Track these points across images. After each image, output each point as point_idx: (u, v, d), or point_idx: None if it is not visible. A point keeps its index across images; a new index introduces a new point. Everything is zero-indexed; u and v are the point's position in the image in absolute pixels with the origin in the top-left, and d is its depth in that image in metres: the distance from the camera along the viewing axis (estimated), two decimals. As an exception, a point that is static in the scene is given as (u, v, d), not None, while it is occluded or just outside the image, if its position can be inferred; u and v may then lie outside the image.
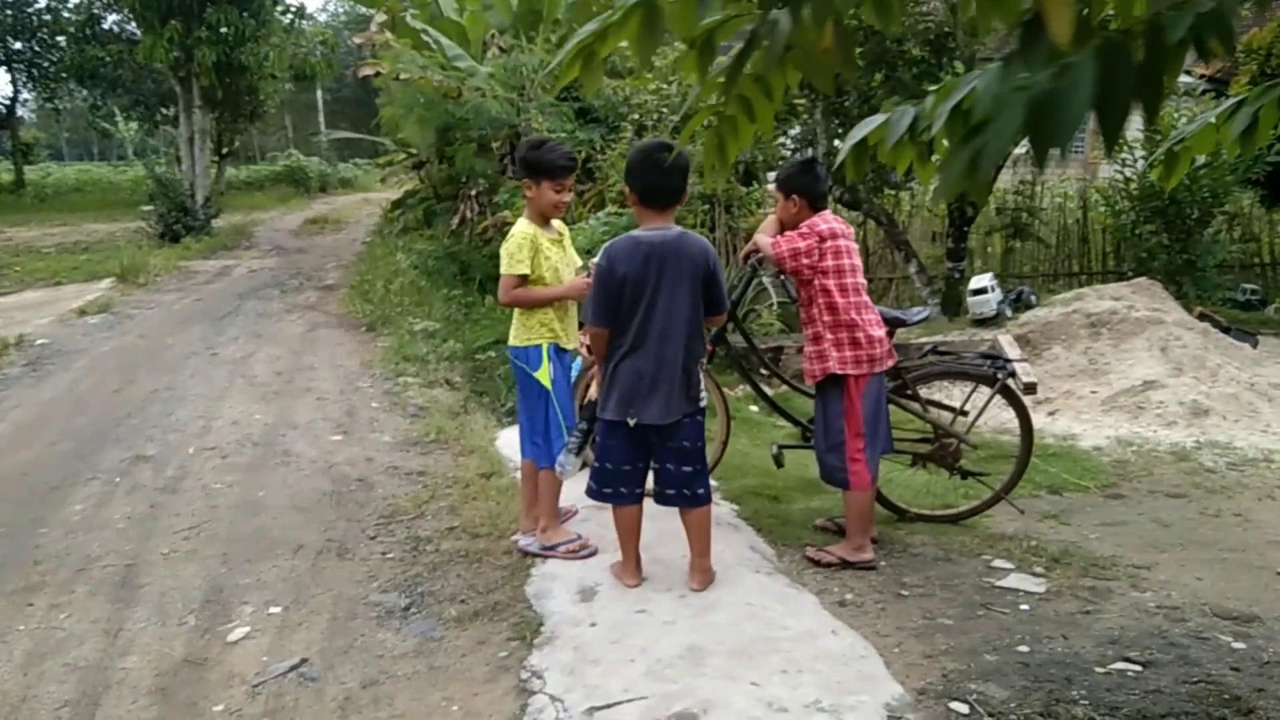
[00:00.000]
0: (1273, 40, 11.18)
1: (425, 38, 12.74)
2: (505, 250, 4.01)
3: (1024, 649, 3.51)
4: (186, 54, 17.90)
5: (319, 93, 38.07)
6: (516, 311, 4.14)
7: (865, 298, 4.19)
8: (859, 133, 1.96)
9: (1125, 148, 10.40)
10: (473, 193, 12.31)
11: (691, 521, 3.83)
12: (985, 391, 4.59)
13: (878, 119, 1.97)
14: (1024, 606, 3.88)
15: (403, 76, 11.62)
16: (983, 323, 8.76)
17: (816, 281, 4.10)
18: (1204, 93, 11.98)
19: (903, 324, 4.46)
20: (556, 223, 4.23)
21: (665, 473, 3.78)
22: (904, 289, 10.48)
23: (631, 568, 3.91)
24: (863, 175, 2.10)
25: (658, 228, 3.63)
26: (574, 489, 4.49)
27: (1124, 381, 7.07)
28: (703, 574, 3.84)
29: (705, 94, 1.62)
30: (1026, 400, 4.64)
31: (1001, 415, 4.77)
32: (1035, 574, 4.18)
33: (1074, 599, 3.96)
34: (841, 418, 4.14)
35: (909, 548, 4.46)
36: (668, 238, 3.60)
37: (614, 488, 3.82)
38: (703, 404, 3.76)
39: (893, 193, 10.09)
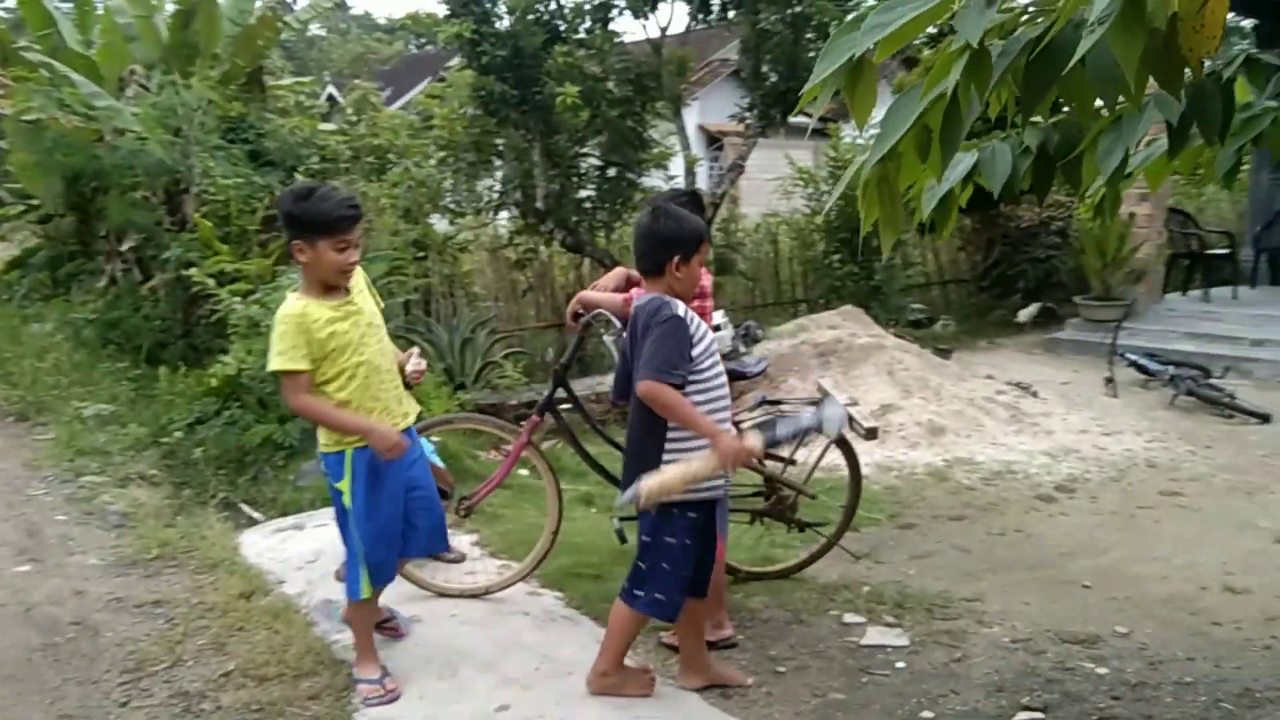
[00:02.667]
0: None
1: (46, 73, 10.93)
2: (271, 340, 3.12)
3: (929, 715, 3.33)
4: None
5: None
6: None
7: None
8: (957, 174, 1.60)
9: (810, 183, 11.02)
10: (123, 248, 10.67)
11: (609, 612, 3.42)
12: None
13: (966, 159, 1.62)
14: (899, 664, 3.72)
15: (28, 117, 9.85)
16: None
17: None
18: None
19: (743, 376, 4.19)
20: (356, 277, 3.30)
21: None
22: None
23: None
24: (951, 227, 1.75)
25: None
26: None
27: (863, 407, 7.30)
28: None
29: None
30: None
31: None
32: (889, 625, 4.05)
33: (938, 646, 3.87)
34: (690, 484, 3.76)
35: (755, 613, 4.18)
36: (641, 301, 3.27)
37: None
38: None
39: (601, 232, 9.93)
